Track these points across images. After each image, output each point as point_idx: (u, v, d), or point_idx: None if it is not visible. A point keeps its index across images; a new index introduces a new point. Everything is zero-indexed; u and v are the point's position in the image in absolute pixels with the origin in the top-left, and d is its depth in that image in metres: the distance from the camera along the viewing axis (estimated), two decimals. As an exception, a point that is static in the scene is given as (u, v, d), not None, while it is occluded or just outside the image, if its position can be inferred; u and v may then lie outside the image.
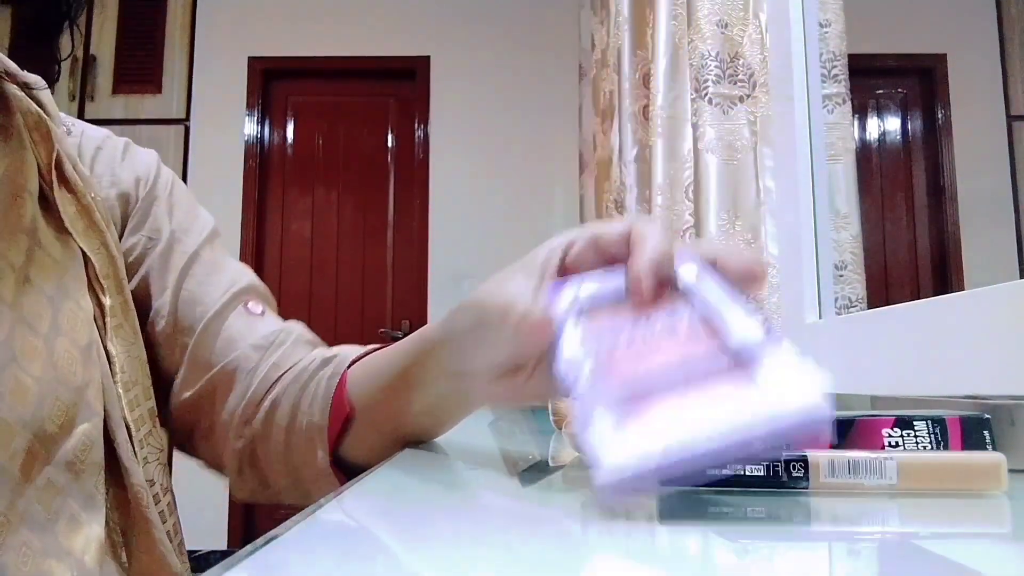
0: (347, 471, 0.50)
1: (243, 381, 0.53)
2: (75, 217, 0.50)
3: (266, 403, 0.52)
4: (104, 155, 0.56)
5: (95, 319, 0.49)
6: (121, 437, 0.48)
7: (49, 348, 0.45)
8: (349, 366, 0.52)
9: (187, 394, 0.54)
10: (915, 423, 0.38)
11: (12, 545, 0.40)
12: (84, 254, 0.50)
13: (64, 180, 0.50)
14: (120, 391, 0.49)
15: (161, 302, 0.54)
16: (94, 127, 0.58)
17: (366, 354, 0.53)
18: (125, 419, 0.48)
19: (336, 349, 0.55)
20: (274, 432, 0.52)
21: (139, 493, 0.47)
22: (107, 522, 0.46)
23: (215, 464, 0.57)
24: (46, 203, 0.49)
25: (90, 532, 0.44)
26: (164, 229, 0.56)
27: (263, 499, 0.56)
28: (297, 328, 0.58)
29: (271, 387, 0.53)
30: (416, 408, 0.47)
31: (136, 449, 0.49)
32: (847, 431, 0.39)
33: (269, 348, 0.54)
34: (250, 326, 0.55)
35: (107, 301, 0.50)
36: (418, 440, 0.51)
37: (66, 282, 0.48)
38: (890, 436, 0.38)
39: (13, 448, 0.41)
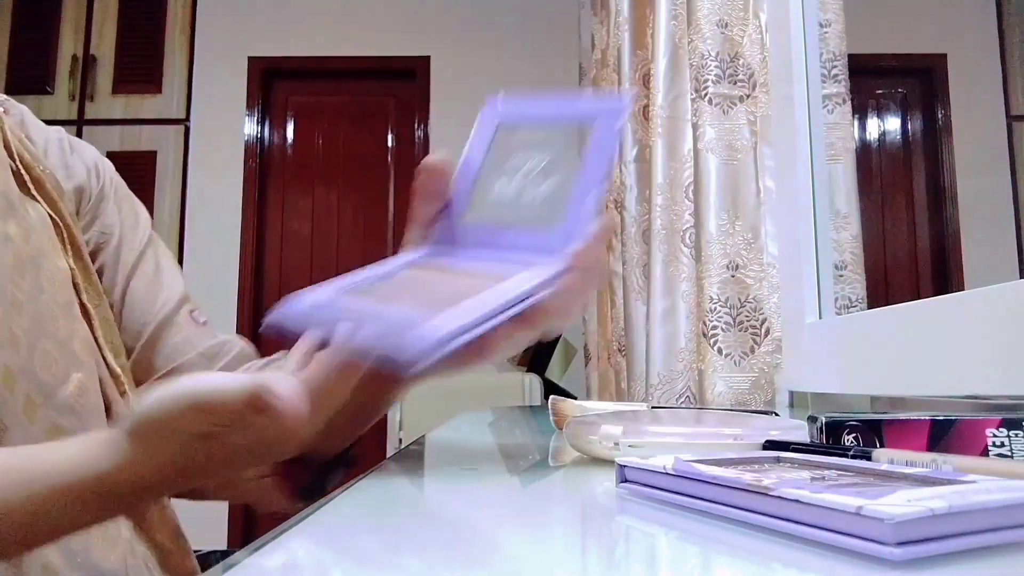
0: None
1: None
2: (35, 185, 0.51)
3: None
4: (53, 146, 0.57)
5: (73, 280, 0.51)
6: (111, 387, 0.50)
7: (34, 304, 0.46)
8: None
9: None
10: None
11: None
12: (52, 219, 0.51)
13: (10, 153, 0.51)
14: (102, 342, 0.51)
15: (113, 299, 0.56)
16: (31, 114, 0.59)
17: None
18: (111, 368, 0.51)
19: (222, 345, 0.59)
20: None
21: None
22: None
23: None
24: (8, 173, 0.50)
25: None
26: (115, 225, 0.58)
27: (190, 498, 0.58)
28: (239, 342, 0.61)
29: None
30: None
31: (125, 398, 0.51)
32: (945, 433, 0.36)
33: (215, 358, 0.57)
34: (197, 334, 0.58)
35: (73, 264, 0.52)
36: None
37: (42, 244, 0.49)
38: (995, 437, 0.35)
39: (16, 393, 0.43)
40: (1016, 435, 0.35)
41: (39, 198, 0.51)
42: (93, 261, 0.56)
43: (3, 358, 0.43)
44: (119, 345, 0.54)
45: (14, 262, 0.46)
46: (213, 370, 0.56)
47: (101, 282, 0.56)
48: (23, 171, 0.50)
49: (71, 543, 0.44)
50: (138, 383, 0.55)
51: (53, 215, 0.51)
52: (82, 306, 0.51)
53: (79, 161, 0.58)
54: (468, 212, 0.47)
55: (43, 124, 0.59)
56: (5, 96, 0.57)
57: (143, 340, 0.56)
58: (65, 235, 0.52)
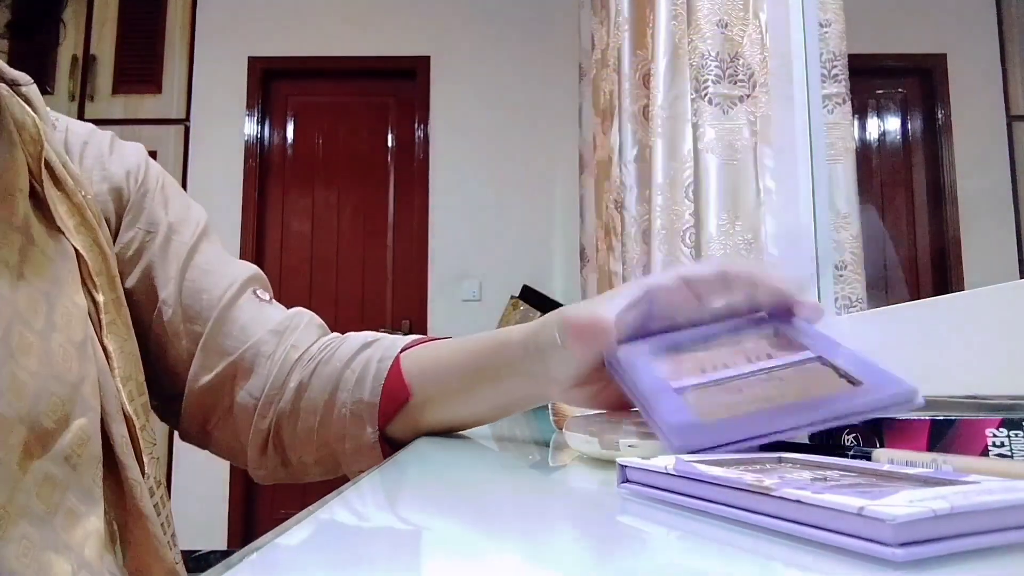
0: (397, 447, 0.55)
1: (264, 365, 0.55)
2: (67, 215, 0.50)
3: (291, 383, 0.55)
4: (91, 150, 0.56)
5: (89, 315, 0.49)
6: (117, 432, 0.48)
7: (44, 344, 0.44)
8: (401, 350, 0.56)
9: (205, 379, 0.55)
10: None
11: (12, 538, 0.40)
12: (76, 251, 0.50)
13: (54, 178, 0.50)
14: (119, 385, 0.49)
15: (167, 292, 0.55)
16: (78, 122, 0.58)
17: (414, 343, 0.57)
18: (125, 412, 0.49)
19: (373, 334, 0.59)
20: (303, 410, 0.55)
21: (134, 487, 0.48)
22: (104, 515, 0.46)
23: (232, 448, 0.58)
24: (37, 201, 0.49)
25: (89, 525, 0.44)
26: (161, 221, 0.57)
27: (284, 477, 0.58)
28: (307, 314, 0.61)
29: (292, 368, 0.56)
30: (483, 400, 0.53)
31: (135, 443, 0.49)
32: (945, 433, 0.37)
33: (285, 332, 0.57)
34: (262, 312, 0.58)
35: (100, 297, 0.50)
36: (466, 427, 0.57)
37: (60, 279, 0.48)
38: (995, 437, 0.35)
39: (10, 443, 0.41)
40: (1016, 435, 0.35)
41: (66, 231, 0.49)
42: (139, 258, 0.55)
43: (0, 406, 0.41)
44: (142, 382, 0.53)
45: (27, 303, 0.45)
46: (285, 344, 0.56)
47: (154, 278, 0.55)
48: (52, 202, 0.49)
49: None
50: (209, 368, 0.55)
51: (79, 249, 0.50)
52: (102, 344, 0.49)
53: (118, 163, 0.57)
54: None
55: (85, 128, 0.57)
56: (56, 114, 0.56)
57: (209, 327, 0.55)
58: (91, 268, 0.50)
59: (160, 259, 0.56)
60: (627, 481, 0.30)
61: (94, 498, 0.45)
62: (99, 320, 0.50)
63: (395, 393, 0.54)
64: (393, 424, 0.54)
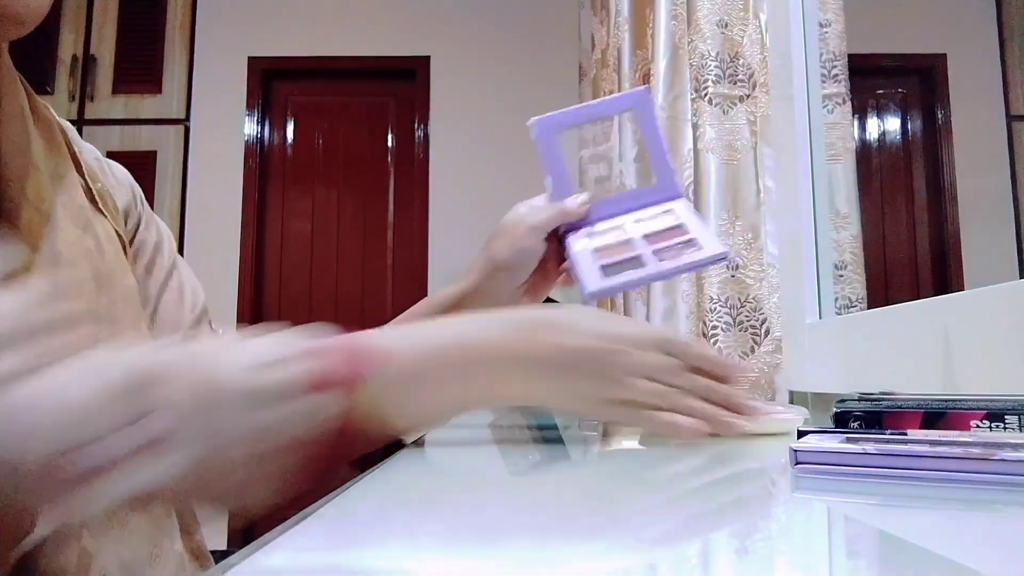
0: None
1: None
2: (101, 200, 0.52)
3: None
4: (94, 165, 0.57)
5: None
6: None
7: (111, 323, 0.46)
8: None
9: None
10: (1006, 416, 0.39)
11: (134, 528, 0.43)
12: (118, 234, 0.52)
13: (83, 168, 0.52)
14: None
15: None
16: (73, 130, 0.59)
17: None
18: None
19: None
20: None
21: None
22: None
23: None
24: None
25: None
26: (148, 243, 0.59)
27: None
28: None
29: None
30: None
31: None
32: (935, 423, 0.41)
33: None
34: None
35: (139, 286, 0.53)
36: None
37: (114, 260, 0.49)
38: (978, 429, 0.39)
39: None
40: (997, 427, 0.39)
41: (106, 214, 0.51)
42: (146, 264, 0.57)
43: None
44: None
45: (95, 276, 0.46)
46: None
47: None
48: (91, 187, 0.51)
49: (123, 555, 0.45)
50: None
51: (118, 231, 0.52)
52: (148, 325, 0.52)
53: (117, 181, 0.58)
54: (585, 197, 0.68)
55: (86, 144, 0.59)
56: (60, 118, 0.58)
57: None
58: (128, 252, 0.52)
59: (143, 281, 0.57)
60: (799, 463, 0.34)
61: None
62: (145, 302, 0.52)
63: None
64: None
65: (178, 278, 0.60)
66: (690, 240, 0.59)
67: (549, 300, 0.72)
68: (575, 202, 0.66)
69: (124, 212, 0.57)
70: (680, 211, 0.63)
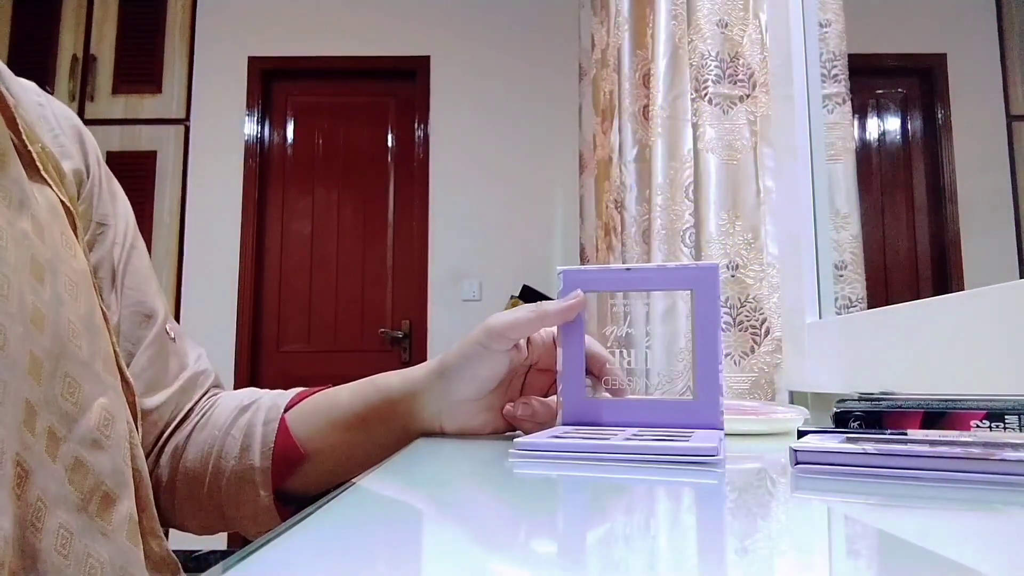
0: (291, 503, 0.55)
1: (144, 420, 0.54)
2: (43, 167, 0.45)
3: (167, 448, 0.55)
4: (33, 111, 0.50)
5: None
6: (127, 405, 0.46)
7: (54, 318, 0.41)
8: (285, 410, 0.55)
9: None
10: (1006, 416, 0.39)
11: (50, 528, 0.38)
12: (64, 204, 0.45)
13: (20, 130, 0.45)
14: (120, 353, 0.47)
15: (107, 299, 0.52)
16: (58, 102, 0.54)
17: (295, 400, 0.56)
18: (127, 382, 0.47)
19: (248, 394, 0.58)
20: (181, 479, 0.55)
21: (141, 470, 0.46)
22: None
23: None
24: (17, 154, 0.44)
25: (123, 509, 0.42)
26: (109, 215, 0.53)
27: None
28: (195, 365, 0.59)
29: (174, 430, 0.56)
30: (372, 446, 0.54)
31: (136, 419, 0.47)
32: (936, 422, 0.41)
33: (185, 392, 0.57)
34: (160, 360, 0.56)
35: (92, 258, 0.48)
36: (356, 474, 0.56)
37: (56, 242, 0.43)
38: (978, 428, 0.40)
39: (37, 431, 0.38)
40: (997, 427, 0.39)
41: (49, 181, 0.44)
42: (90, 252, 0.51)
43: (23, 391, 0.37)
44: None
45: (32, 266, 0.39)
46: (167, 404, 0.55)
47: (100, 278, 0.51)
48: (30, 149, 0.44)
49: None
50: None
51: (66, 202, 0.45)
52: (103, 313, 0.46)
53: (62, 131, 0.51)
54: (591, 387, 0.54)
55: (15, 77, 0.49)
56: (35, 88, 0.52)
57: (141, 347, 0.53)
58: (77, 224, 0.46)
59: (107, 260, 0.52)
60: (799, 463, 0.34)
61: (126, 481, 0.43)
62: (97, 286, 0.47)
63: (288, 454, 0.54)
64: (288, 484, 0.55)
65: (139, 259, 0.55)
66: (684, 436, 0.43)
67: None
68: (565, 303, 0.51)
69: (76, 176, 0.50)
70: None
